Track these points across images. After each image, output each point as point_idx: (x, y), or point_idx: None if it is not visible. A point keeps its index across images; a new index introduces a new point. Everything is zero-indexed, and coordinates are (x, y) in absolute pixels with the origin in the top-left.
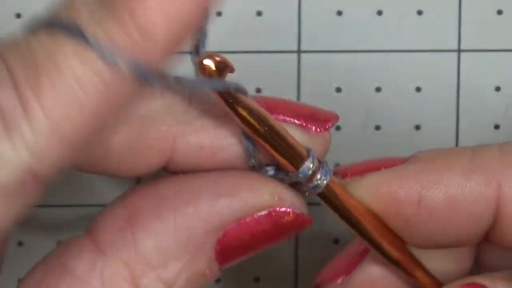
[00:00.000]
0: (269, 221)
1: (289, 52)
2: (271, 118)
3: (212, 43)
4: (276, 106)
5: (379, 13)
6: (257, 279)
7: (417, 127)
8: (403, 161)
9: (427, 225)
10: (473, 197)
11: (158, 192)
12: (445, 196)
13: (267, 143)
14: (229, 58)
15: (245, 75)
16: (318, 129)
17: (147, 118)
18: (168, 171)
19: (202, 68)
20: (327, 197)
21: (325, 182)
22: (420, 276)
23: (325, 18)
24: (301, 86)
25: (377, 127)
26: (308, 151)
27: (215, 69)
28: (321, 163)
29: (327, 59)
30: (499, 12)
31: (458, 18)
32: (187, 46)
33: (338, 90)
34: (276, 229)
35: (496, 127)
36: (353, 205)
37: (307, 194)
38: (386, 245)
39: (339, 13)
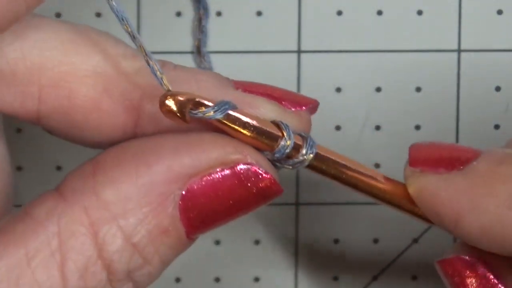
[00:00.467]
0: (233, 178)
1: (289, 52)
2: (243, 113)
3: (212, 43)
4: (250, 85)
5: (379, 13)
6: (257, 279)
7: (417, 127)
8: (468, 158)
9: (463, 239)
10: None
11: (123, 147)
12: (480, 226)
13: (237, 134)
14: (229, 58)
15: (245, 75)
16: (294, 107)
17: (113, 76)
18: None
19: (164, 110)
20: (318, 167)
21: (311, 155)
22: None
23: (325, 18)
24: (301, 86)
25: (377, 127)
26: (283, 130)
27: (177, 110)
28: (304, 138)
29: (327, 59)
30: (499, 12)
31: (458, 18)
32: (188, 45)
33: (338, 90)
34: (241, 188)
35: (496, 127)
36: (347, 166)
37: (291, 167)
38: (388, 193)
39: (339, 13)
